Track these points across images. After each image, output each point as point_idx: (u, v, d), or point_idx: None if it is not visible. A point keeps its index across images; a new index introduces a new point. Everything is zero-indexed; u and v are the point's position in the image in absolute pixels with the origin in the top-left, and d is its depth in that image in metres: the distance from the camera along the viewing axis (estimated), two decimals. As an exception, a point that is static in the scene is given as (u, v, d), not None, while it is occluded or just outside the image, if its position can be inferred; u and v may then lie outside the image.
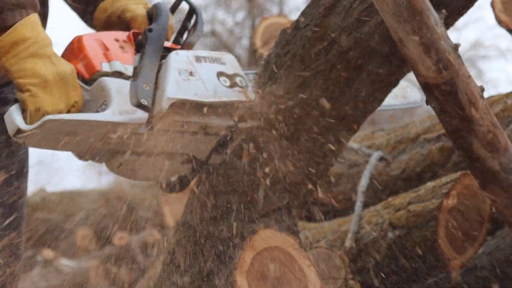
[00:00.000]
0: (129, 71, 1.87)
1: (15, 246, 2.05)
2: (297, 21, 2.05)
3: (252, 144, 2.00)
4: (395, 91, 2.63)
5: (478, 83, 1.96)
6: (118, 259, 5.59)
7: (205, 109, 1.88)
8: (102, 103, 1.82)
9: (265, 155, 2.00)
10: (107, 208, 6.23)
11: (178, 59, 1.89)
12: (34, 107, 1.72)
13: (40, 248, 5.66)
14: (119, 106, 1.80)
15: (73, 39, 1.90)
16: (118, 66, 1.87)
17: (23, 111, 1.75)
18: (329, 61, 1.98)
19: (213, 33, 12.98)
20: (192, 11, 2.06)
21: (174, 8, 2.09)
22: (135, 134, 1.84)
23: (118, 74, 1.86)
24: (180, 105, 1.84)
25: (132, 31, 1.98)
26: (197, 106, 1.87)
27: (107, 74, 1.86)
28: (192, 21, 2.06)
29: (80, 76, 1.84)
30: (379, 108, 2.51)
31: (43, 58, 1.74)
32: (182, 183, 2.06)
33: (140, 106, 1.79)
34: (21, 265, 2.09)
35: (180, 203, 5.31)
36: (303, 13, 2.04)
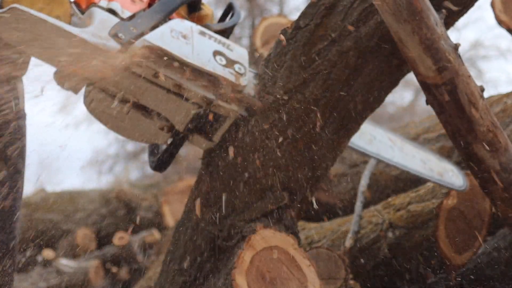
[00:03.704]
0: (125, 14, 1.89)
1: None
2: (297, 21, 2.05)
3: (251, 144, 2.00)
4: (433, 165, 2.56)
5: (478, 83, 1.96)
6: (118, 258, 5.59)
7: (181, 67, 1.87)
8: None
9: (264, 154, 2.00)
10: (107, 208, 6.23)
11: (179, 23, 1.91)
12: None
13: (40, 248, 5.66)
14: (94, 30, 1.81)
15: None
16: (115, 6, 1.90)
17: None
18: (329, 61, 1.98)
19: (213, 33, 12.94)
20: (232, 15, 2.14)
21: (226, 12, 2.16)
22: (106, 64, 1.82)
23: (113, 13, 1.88)
24: (158, 55, 1.85)
25: None
26: (174, 62, 1.87)
27: (101, 8, 1.88)
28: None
29: (79, 7, 1.89)
30: (407, 170, 2.45)
31: None
32: (163, 162, 2.08)
33: (115, 37, 1.81)
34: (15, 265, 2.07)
35: (180, 202, 5.31)
36: (303, 13, 2.04)
